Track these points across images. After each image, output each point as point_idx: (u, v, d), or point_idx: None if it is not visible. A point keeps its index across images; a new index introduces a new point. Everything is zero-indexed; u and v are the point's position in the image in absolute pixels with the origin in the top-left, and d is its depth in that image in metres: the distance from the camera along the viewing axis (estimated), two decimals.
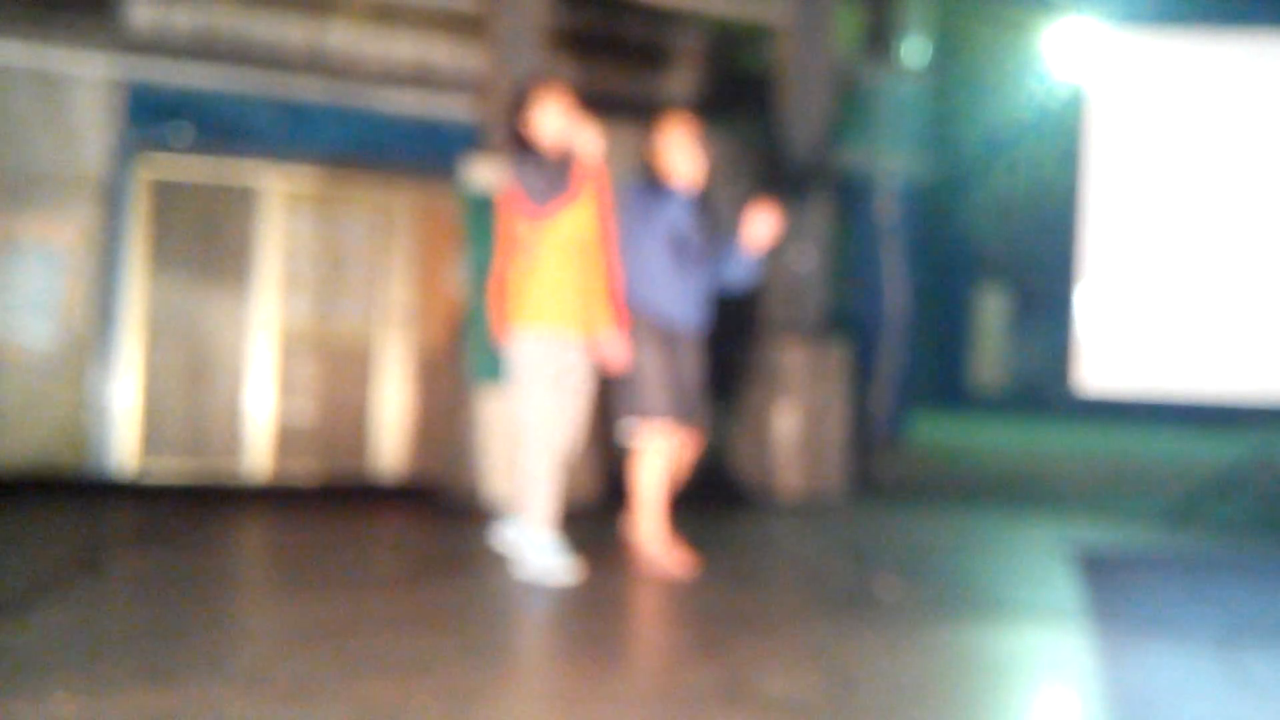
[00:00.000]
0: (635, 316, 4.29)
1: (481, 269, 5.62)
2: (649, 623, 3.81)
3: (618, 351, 4.23)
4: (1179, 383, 5.93)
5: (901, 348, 8.13)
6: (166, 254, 6.65)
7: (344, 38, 6.99)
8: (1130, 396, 6.13)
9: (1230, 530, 5.86)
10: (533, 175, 3.98)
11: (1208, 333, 5.90)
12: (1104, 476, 8.95)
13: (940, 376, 15.75)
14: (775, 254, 6.83)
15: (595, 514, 5.26)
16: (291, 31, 6.88)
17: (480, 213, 5.74)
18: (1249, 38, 6.01)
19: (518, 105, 4.15)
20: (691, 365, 4.37)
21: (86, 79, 6.51)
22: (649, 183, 4.36)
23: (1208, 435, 11.80)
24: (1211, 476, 6.52)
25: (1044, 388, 15.09)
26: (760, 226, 4.31)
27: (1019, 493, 7.49)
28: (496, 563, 4.20)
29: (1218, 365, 5.89)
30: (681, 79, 7.61)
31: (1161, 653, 3.42)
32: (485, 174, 5.83)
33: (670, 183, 4.37)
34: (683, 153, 4.35)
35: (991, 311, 17.64)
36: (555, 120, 4.08)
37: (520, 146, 4.09)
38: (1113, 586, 4.52)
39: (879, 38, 8.34)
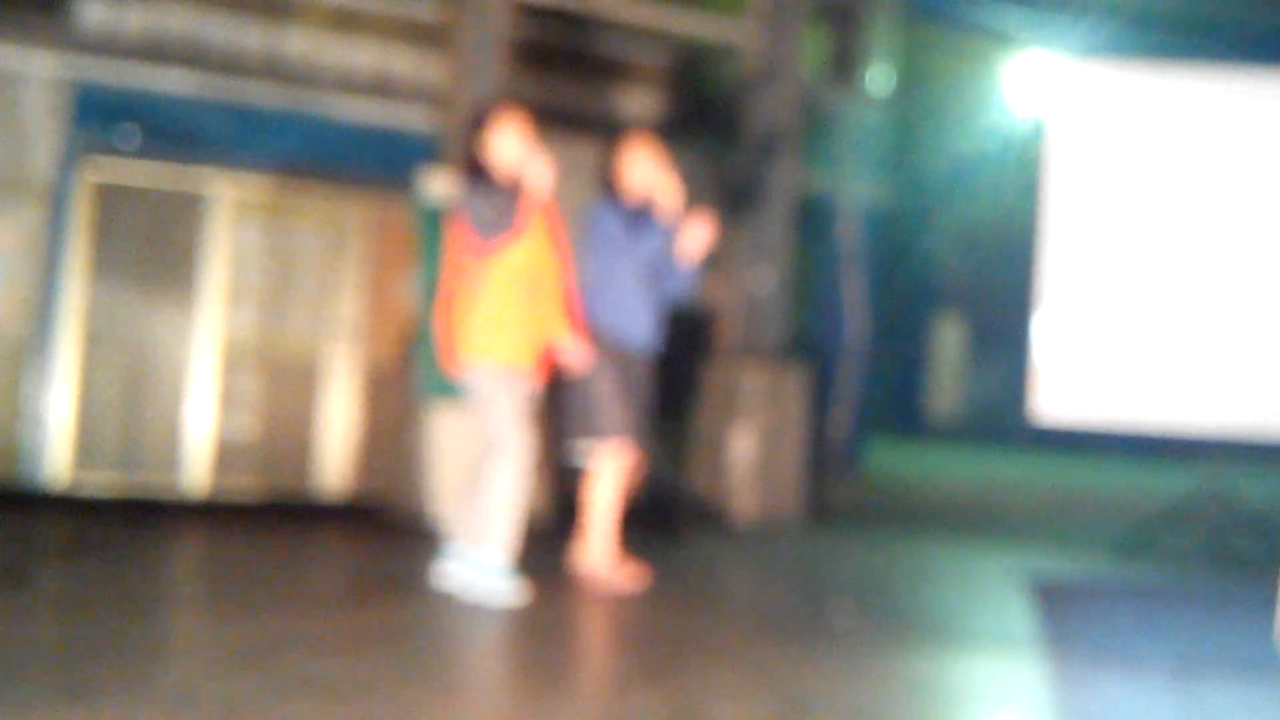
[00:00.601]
0: (594, 338, 4.26)
1: (433, 284, 5.50)
2: (597, 646, 3.76)
3: (576, 358, 4.20)
4: (1133, 413, 5.97)
5: (860, 374, 8.12)
6: (109, 260, 6.46)
7: (302, 43, 6.86)
8: (1085, 427, 6.16)
9: (1183, 561, 5.91)
10: (481, 206, 3.96)
11: (1162, 364, 5.95)
12: (1058, 507, 9.04)
13: (897, 404, 15.84)
14: (731, 274, 6.79)
15: (544, 536, 5.15)
16: (247, 35, 6.74)
17: (434, 226, 5.62)
18: (1206, 72, 6.10)
19: (476, 126, 4.12)
20: (642, 385, 4.38)
21: (32, 77, 6.32)
22: (622, 207, 4.33)
23: (1161, 467, 11.93)
24: (1164, 508, 6.58)
25: (1000, 418, 15.22)
26: (695, 237, 4.31)
27: (974, 522, 7.54)
28: (441, 591, 4.08)
29: (1172, 397, 5.94)
30: (645, 97, 7.57)
31: (1115, 682, 3.42)
32: (440, 187, 5.72)
33: (644, 206, 4.35)
34: (648, 172, 4.34)
35: (949, 341, 17.81)
36: (511, 145, 4.06)
37: (473, 170, 4.06)
38: (1066, 616, 4.55)
39: (844, 64, 8.38)
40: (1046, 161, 6.06)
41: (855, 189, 8.28)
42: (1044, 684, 3.38)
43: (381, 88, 6.99)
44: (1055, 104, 6.09)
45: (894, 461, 11.20)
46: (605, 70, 7.46)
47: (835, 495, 7.75)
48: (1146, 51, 7.14)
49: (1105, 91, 6.05)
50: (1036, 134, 7.14)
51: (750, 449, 6.46)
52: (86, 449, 6.35)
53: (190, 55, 6.59)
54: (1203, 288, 5.94)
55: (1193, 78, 6.07)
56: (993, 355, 16.36)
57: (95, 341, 6.40)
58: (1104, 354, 5.97)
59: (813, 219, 7.83)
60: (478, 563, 3.94)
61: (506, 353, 3.99)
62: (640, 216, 4.34)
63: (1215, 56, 6.66)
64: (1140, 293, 5.98)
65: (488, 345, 3.98)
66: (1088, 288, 5.99)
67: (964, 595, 4.83)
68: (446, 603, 3.87)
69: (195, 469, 6.53)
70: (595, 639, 3.81)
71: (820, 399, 7.46)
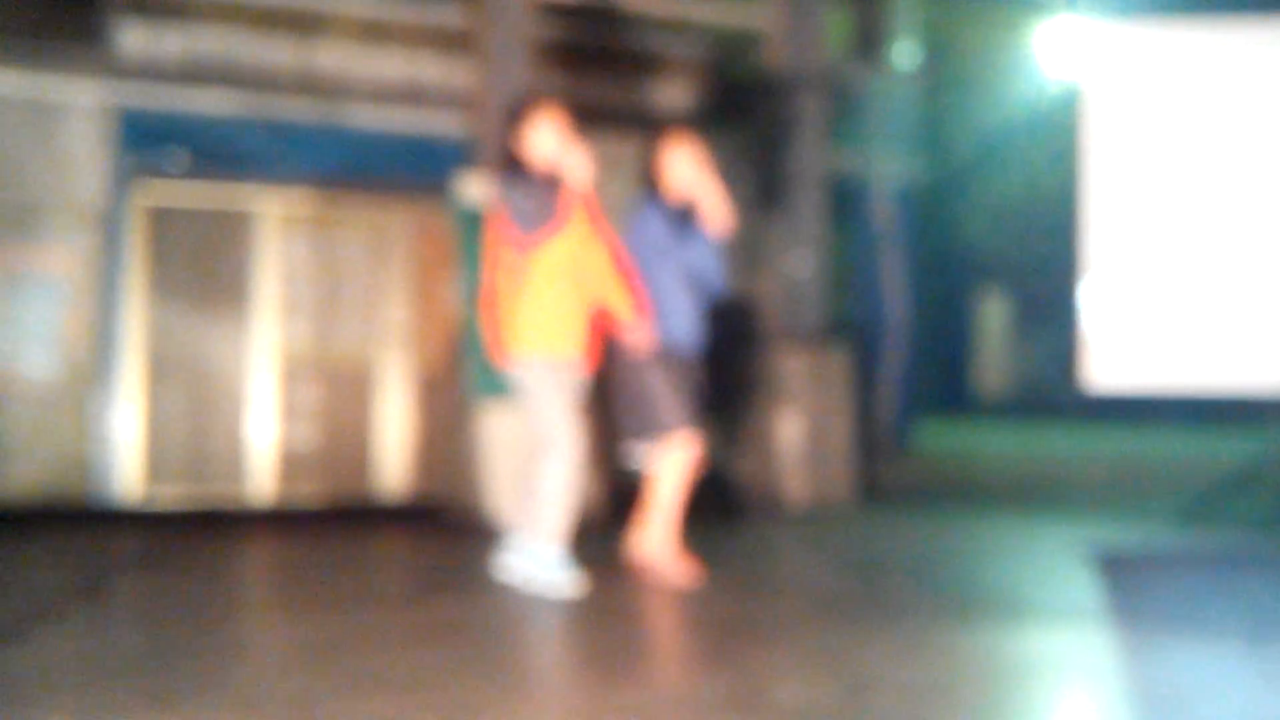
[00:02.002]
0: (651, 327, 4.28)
1: (477, 286, 5.60)
2: (658, 634, 3.78)
3: (640, 338, 4.21)
4: (1189, 378, 5.88)
5: (903, 353, 8.10)
6: (165, 280, 6.65)
7: (333, 58, 7.00)
8: (1139, 393, 6.08)
9: (1249, 526, 5.78)
10: (521, 201, 3.98)
11: (1217, 326, 5.85)
12: (1116, 478, 8.88)
13: (944, 383, 15.70)
14: (768, 260, 6.82)
15: (600, 530, 5.22)
16: (281, 53, 6.89)
17: (474, 229, 5.72)
18: (1246, 25, 5.99)
19: (511, 122, 4.13)
20: (690, 386, 4.39)
21: (80, 107, 6.52)
22: (664, 208, 4.34)
23: (1220, 433, 11.73)
24: (1227, 473, 6.45)
25: (1050, 390, 15.03)
26: (714, 215, 4.32)
27: (1030, 496, 7.42)
28: (500, 579, 4.17)
29: (1227, 359, 5.84)
30: (672, 89, 7.60)
31: (1187, 651, 3.34)
32: (477, 190, 5.81)
33: (683, 205, 4.35)
34: (687, 170, 4.34)
35: (993, 315, 17.60)
36: (548, 139, 4.06)
37: (511, 166, 4.07)
38: (1133, 586, 4.45)
39: (869, 42, 8.34)
40: (1084, 126, 5.99)
41: (888, 167, 8.26)
42: (1115, 655, 3.31)
43: (413, 96, 7.11)
44: (1090, 67, 6.01)
45: (944, 440, 11.10)
46: (631, 65, 7.50)
47: (886, 476, 7.73)
48: (1183, 6, 7.02)
49: (1142, 50, 5.97)
50: (1071, 99, 7.06)
51: (798, 434, 6.49)
52: (156, 464, 6.55)
53: (227, 75, 6.76)
54: (1255, 245, 5.84)
55: (1234, 29, 5.97)
56: (1039, 327, 16.16)
57: (157, 360, 6.59)
58: (1155, 319, 5.88)
59: (847, 200, 7.83)
60: (535, 555, 4.00)
61: (553, 345, 4.02)
62: (684, 220, 4.35)
63: (1256, 7, 6.54)
64: (1190, 253, 5.88)
65: (534, 338, 4.00)
66: (1135, 252, 5.91)
67: (1025, 569, 4.75)
68: (507, 596, 3.94)
69: (260, 478, 6.71)
70: (654, 627, 3.84)
71: (865, 380, 7.46)
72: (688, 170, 4.34)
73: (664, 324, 4.30)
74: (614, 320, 4.21)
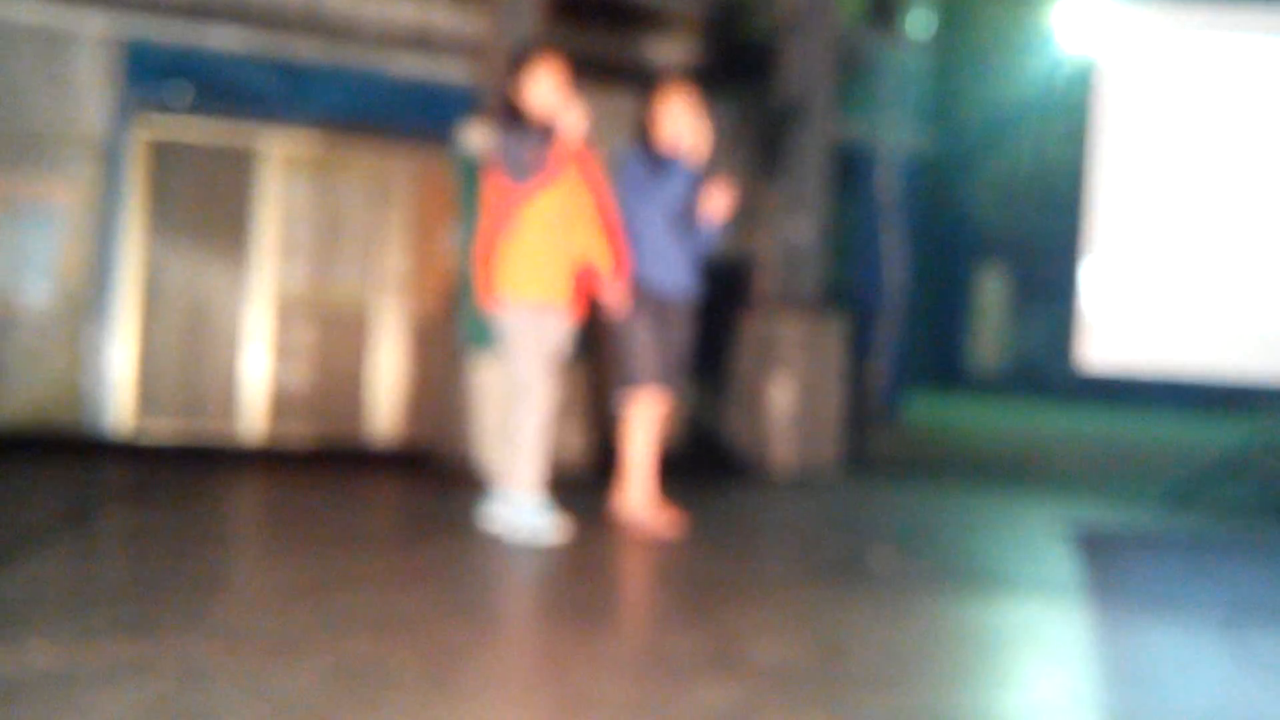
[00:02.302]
0: (629, 286, 4.31)
1: (473, 236, 5.59)
2: (637, 588, 3.82)
3: (616, 298, 4.27)
4: (1183, 362, 5.89)
5: (899, 324, 8.11)
6: (164, 215, 6.63)
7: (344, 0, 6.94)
8: (1133, 374, 6.10)
9: (1234, 512, 5.83)
10: (515, 149, 4.01)
11: (1214, 312, 5.86)
12: (1104, 458, 8.93)
13: (939, 356, 15.73)
14: (768, 224, 6.80)
15: (585, 483, 5.27)
16: None
17: (473, 178, 5.70)
18: (1262, 11, 5.94)
19: (512, 71, 4.16)
20: (681, 334, 4.42)
21: (87, 36, 6.47)
22: (649, 153, 4.36)
23: (1211, 418, 11.78)
24: (1214, 458, 6.50)
25: (1044, 369, 15.06)
26: (718, 199, 4.36)
27: (1017, 472, 7.47)
28: (484, 526, 4.21)
29: (1224, 345, 5.86)
30: (681, 45, 7.55)
31: (1163, 630, 3.37)
32: (479, 139, 5.78)
33: (671, 153, 4.36)
34: (683, 121, 4.35)
35: (991, 291, 17.60)
36: (546, 90, 4.10)
37: (509, 115, 4.11)
38: (1113, 565, 4.49)
39: (883, 8, 8.27)
40: (1096, 104, 5.96)
41: (894, 136, 8.22)
42: (1090, 631, 3.34)
43: (422, 42, 7.05)
44: (1105, 45, 5.97)
45: (935, 412, 11.14)
46: (641, 20, 7.44)
47: (874, 445, 7.78)
48: None
49: (1157, 30, 5.92)
50: (1082, 77, 7.01)
51: (788, 399, 6.51)
52: (147, 398, 6.58)
53: (236, 12, 6.70)
54: (1256, 233, 5.84)
55: (1248, 16, 5.92)
56: (1037, 305, 16.16)
57: (153, 294, 6.60)
58: (1153, 302, 5.89)
59: (851, 167, 7.80)
60: (515, 503, 4.06)
61: (539, 290, 4.07)
62: (665, 162, 4.36)
63: None
64: (1192, 237, 5.88)
65: (521, 283, 4.06)
66: (1137, 234, 5.90)
67: (1006, 543, 4.80)
68: (490, 543, 3.99)
69: (251, 417, 6.74)
70: (635, 580, 3.88)
71: (859, 349, 7.47)
72: (682, 119, 4.34)
73: (649, 268, 4.32)
74: (597, 273, 4.25)
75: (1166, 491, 6.31)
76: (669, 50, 7.52)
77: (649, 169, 4.34)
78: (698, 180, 4.42)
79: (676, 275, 4.38)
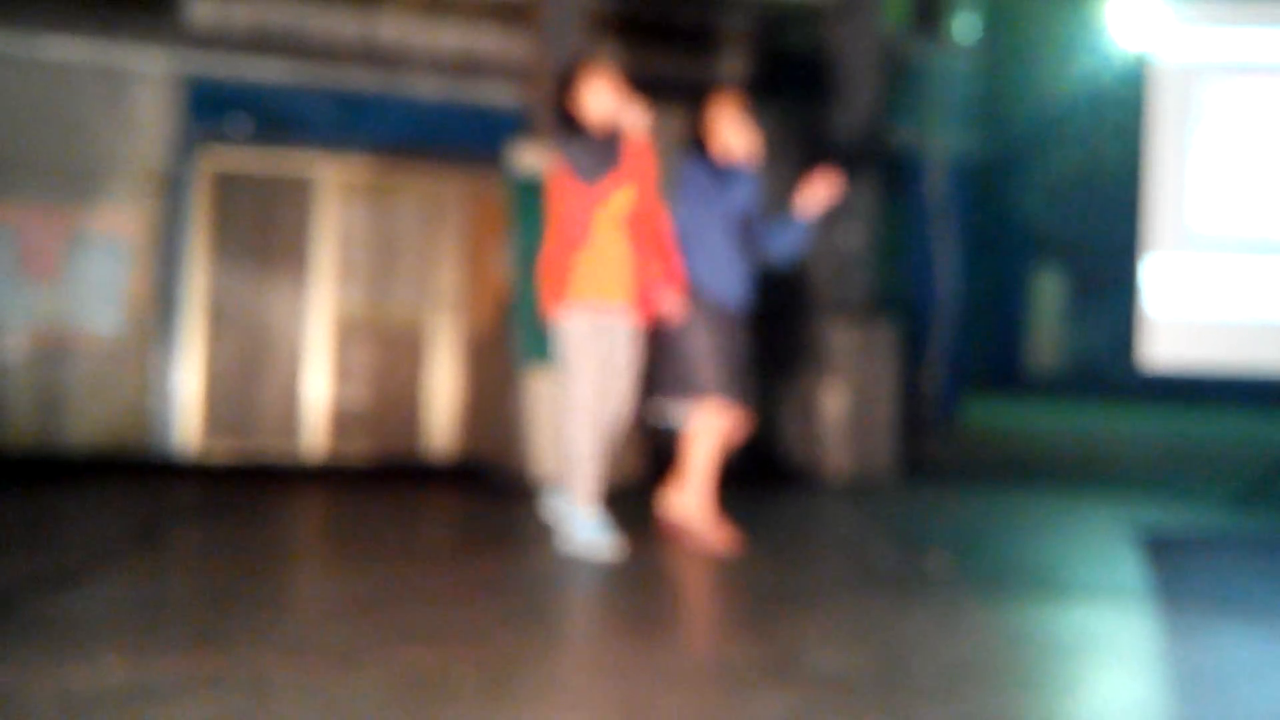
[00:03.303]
0: (689, 293, 4.28)
1: (528, 252, 5.67)
2: (695, 599, 3.81)
3: (672, 309, 4.22)
4: (1248, 356, 5.77)
5: (953, 328, 8.04)
6: (226, 243, 6.82)
7: (394, 29, 7.09)
8: (1198, 371, 5.98)
9: None
10: (581, 153, 4.01)
11: (1278, 306, 5.74)
12: (1169, 459, 8.74)
13: (997, 359, 15.53)
14: (824, 231, 6.80)
15: (640, 492, 5.29)
16: (344, 24, 6.99)
17: (526, 197, 5.79)
18: None
19: (565, 85, 4.17)
20: (740, 344, 4.38)
21: (149, 74, 6.69)
22: (709, 161, 4.35)
23: (1275, 415, 11.47)
24: None
25: (1103, 368, 14.79)
26: (817, 193, 4.32)
27: (1079, 475, 7.34)
28: (542, 539, 4.25)
29: None
30: (729, 61, 7.59)
31: (1232, 634, 3.29)
32: (531, 159, 5.87)
33: (728, 161, 4.36)
34: (735, 128, 4.35)
35: (1048, 293, 17.33)
36: (603, 99, 4.10)
37: (568, 125, 4.11)
38: (1180, 567, 4.38)
39: (928, 13, 8.23)
40: (1151, 100, 5.88)
41: (943, 140, 8.17)
42: (1156, 635, 3.27)
43: (470, 67, 7.18)
44: (1157, 41, 5.89)
45: (994, 416, 10.98)
46: (688, 38, 7.49)
47: (931, 451, 7.71)
48: None
49: (1210, 25, 5.84)
50: (1134, 74, 6.93)
51: (842, 406, 6.49)
52: (213, 419, 6.75)
53: (293, 46, 6.88)
54: None
55: None
56: (1094, 304, 15.89)
57: (218, 319, 6.78)
58: (1217, 297, 5.78)
59: (901, 172, 7.76)
60: (572, 515, 4.08)
61: (605, 290, 4.06)
62: (719, 168, 4.34)
63: None
64: (1256, 230, 5.77)
65: (588, 284, 4.04)
66: (1198, 230, 5.81)
67: (1069, 548, 4.70)
68: (548, 556, 4.02)
69: (312, 435, 6.89)
70: (692, 590, 3.88)
71: (914, 354, 7.42)
72: (736, 129, 4.34)
73: (709, 276, 4.28)
74: (652, 285, 4.23)
75: (1234, 491, 6.17)
76: (714, 66, 7.56)
77: (712, 177, 4.32)
78: (756, 187, 4.40)
79: (735, 285, 4.34)
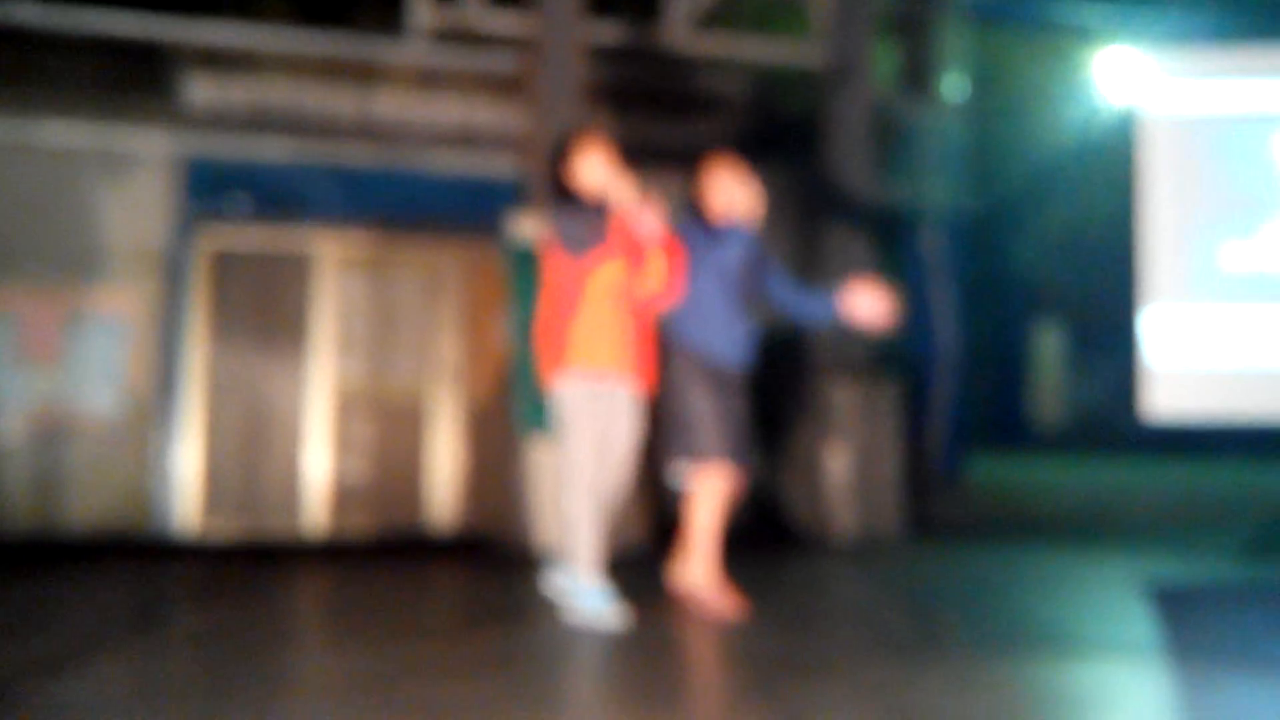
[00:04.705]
0: (685, 355, 4.28)
1: (526, 322, 5.69)
2: (703, 667, 3.77)
3: (651, 229, 4.05)
4: (1249, 407, 5.76)
5: (955, 385, 8.03)
6: (226, 321, 6.84)
7: (391, 104, 7.19)
8: (1201, 421, 5.97)
9: None
10: (570, 224, 4.05)
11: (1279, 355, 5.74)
12: (1176, 511, 8.68)
13: (998, 415, 15.49)
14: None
15: (645, 558, 5.24)
16: (341, 101, 7.10)
17: (524, 267, 5.82)
18: None
19: (558, 156, 4.21)
20: (738, 404, 4.36)
21: (148, 157, 6.77)
22: (703, 223, 4.37)
23: (1278, 466, 11.42)
24: None
25: (1107, 422, 14.75)
26: (863, 305, 4.34)
27: (1086, 529, 7.28)
28: (547, 611, 4.21)
29: None
30: (722, 126, 7.69)
31: (1243, 686, 3.26)
32: (528, 229, 5.92)
33: (723, 222, 4.38)
34: (730, 190, 4.37)
35: (1048, 346, 17.36)
36: (596, 170, 4.13)
37: (560, 196, 4.15)
38: (1191, 621, 4.35)
39: (918, 73, 8.36)
40: (1142, 154, 5.94)
41: (938, 198, 8.24)
42: (1169, 691, 3.24)
43: (466, 140, 7.27)
44: (1146, 95, 5.98)
45: (998, 473, 10.93)
46: (681, 104, 7.61)
47: (937, 509, 7.65)
48: (1240, 34, 6.95)
49: (1198, 77, 5.93)
50: (1125, 127, 7.02)
51: (846, 466, 6.46)
52: (213, 498, 6.71)
53: (290, 124, 6.97)
54: None
55: None
56: (1095, 358, 15.90)
57: (217, 397, 6.78)
58: (1216, 348, 5.79)
59: (897, 230, 7.82)
60: (577, 586, 4.04)
61: (599, 359, 4.05)
62: (710, 227, 4.36)
63: None
64: (1253, 279, 5.79)
65: (582, 353, 4.05)
66: (1196, 278, 5.84)
67: (1079, 603, 4.67)
68: (553, 628, 3.98)
69: (314, 511, 6.84)
70: (701, 659, 3.83)
71: (915, 412, 7.41)
72: (731, 190, 4.36)
73: (705, 338, 4.28)
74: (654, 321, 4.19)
75: (1243, 542, 6.11)
76: (709, 131, 7.66)
77: (703, 238, 4.34)
78: (753, 244, 4.41)
79: (733, 345, 4.33)
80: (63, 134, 6.65)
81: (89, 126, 6.67)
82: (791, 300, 4.46)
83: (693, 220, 4.40)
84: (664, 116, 7.54)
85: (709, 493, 4.24)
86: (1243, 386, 5.77)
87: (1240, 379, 5.77)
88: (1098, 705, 3.17)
